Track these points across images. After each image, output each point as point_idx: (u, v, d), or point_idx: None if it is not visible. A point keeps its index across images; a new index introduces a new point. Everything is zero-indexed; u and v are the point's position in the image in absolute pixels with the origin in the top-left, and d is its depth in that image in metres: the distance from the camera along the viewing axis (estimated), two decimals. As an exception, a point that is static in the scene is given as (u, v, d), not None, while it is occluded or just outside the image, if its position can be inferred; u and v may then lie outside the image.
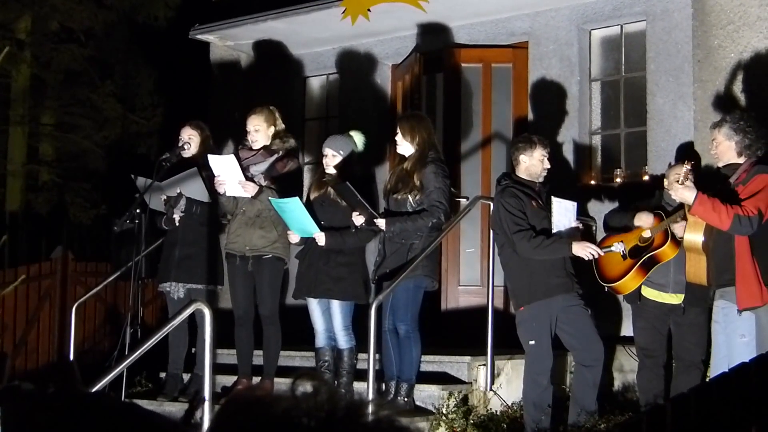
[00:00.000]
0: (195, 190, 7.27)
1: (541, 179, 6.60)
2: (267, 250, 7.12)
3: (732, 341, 5.89)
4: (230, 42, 10.06)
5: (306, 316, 7.11)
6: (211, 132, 7.74)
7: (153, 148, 16.55)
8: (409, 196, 6.72)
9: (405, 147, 6.85)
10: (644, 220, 6.58)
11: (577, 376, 6.50)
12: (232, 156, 7.07)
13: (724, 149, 6.11)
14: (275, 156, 7.18)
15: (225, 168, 7.00)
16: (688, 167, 5.93)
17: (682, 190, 5.89)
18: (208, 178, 7.16)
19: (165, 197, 7.34)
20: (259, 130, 7.19)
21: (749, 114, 6.31)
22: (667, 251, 6.50)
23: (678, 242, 6.47)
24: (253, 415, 1.52)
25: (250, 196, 7.04)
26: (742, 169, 6.03)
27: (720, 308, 6.01)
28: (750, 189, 5.89)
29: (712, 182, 6.25)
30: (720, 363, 5.86)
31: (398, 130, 6.87)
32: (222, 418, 1.61)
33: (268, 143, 7.21)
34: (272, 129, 7.23)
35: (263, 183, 7.11)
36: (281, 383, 7.32)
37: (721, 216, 5.79)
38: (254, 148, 7.23)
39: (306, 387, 1.50)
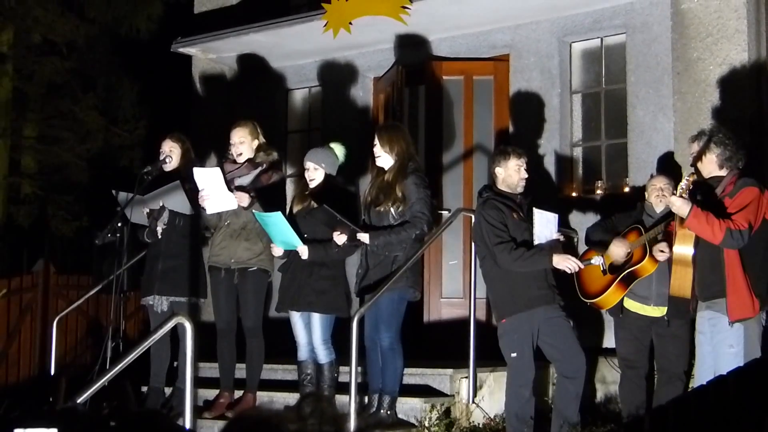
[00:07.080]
0: (177, 202, 7.26)
1: (520, 189, 6.61)
2: (252, 262, 7.14)
3: (719, 351, 5.88)
4: (212, 55, 10.06)
5: (289, 329, 7.10)
6: (194, 144, 7.73)
7: (135, 161, 16.53)
8: (391, 208, 6.72)
9: (384, 159, 6.85)
10: (616, 253, 6.61)
11: (560, 388, 6.51)
12: (218, 169, 7.09)
13: (705, 162, 6.13)
14: (260, 168, 7.21)
15: (210, 181, 7.00)
16: (690, 180, 5.91)
17: (679, 203, 5.90)
18: (191, 191, 7.16)
19: (148, 210, 7.33)
20: (244, 142, 7.24)
21: (725, 128, 6.34)
22: (647, 266, 6.53)
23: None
24: None
25: (244, 207, 7.04)
26: (727, 182, 6.03)
27: (706, 319, 6.00)
28: (738, 202, 5.89)
29: (702, 193, 6.23)
30: (705, 374, 5.86)
31: (377, 142, 6.87)
32: None
33: (252, 156, 7.26)
34: (256, 142, 7.29)
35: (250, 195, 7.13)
36: (263, 396, 7.31)
37: (714, 229, 5.80)
38: (239, 160, 7.26)
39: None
